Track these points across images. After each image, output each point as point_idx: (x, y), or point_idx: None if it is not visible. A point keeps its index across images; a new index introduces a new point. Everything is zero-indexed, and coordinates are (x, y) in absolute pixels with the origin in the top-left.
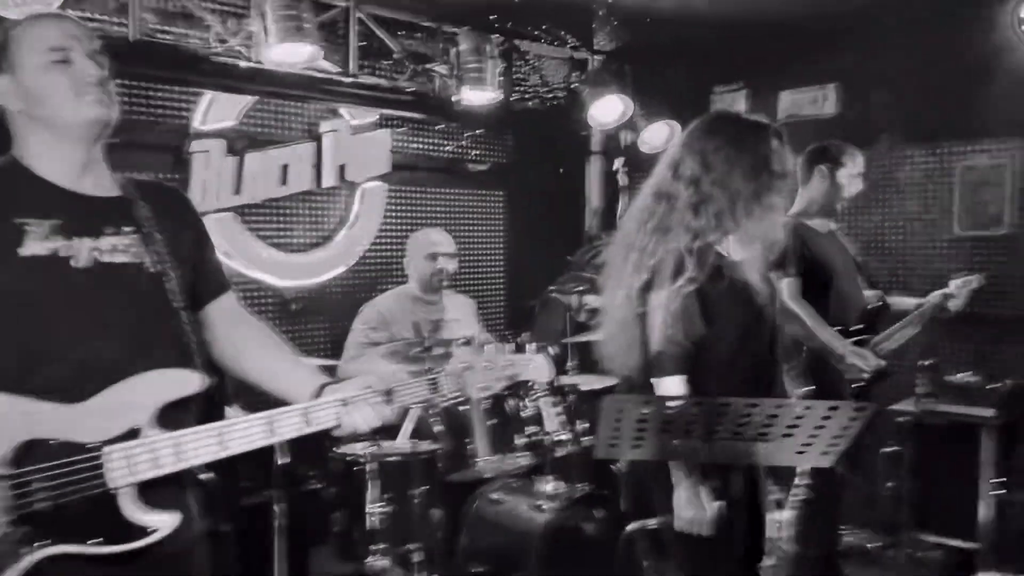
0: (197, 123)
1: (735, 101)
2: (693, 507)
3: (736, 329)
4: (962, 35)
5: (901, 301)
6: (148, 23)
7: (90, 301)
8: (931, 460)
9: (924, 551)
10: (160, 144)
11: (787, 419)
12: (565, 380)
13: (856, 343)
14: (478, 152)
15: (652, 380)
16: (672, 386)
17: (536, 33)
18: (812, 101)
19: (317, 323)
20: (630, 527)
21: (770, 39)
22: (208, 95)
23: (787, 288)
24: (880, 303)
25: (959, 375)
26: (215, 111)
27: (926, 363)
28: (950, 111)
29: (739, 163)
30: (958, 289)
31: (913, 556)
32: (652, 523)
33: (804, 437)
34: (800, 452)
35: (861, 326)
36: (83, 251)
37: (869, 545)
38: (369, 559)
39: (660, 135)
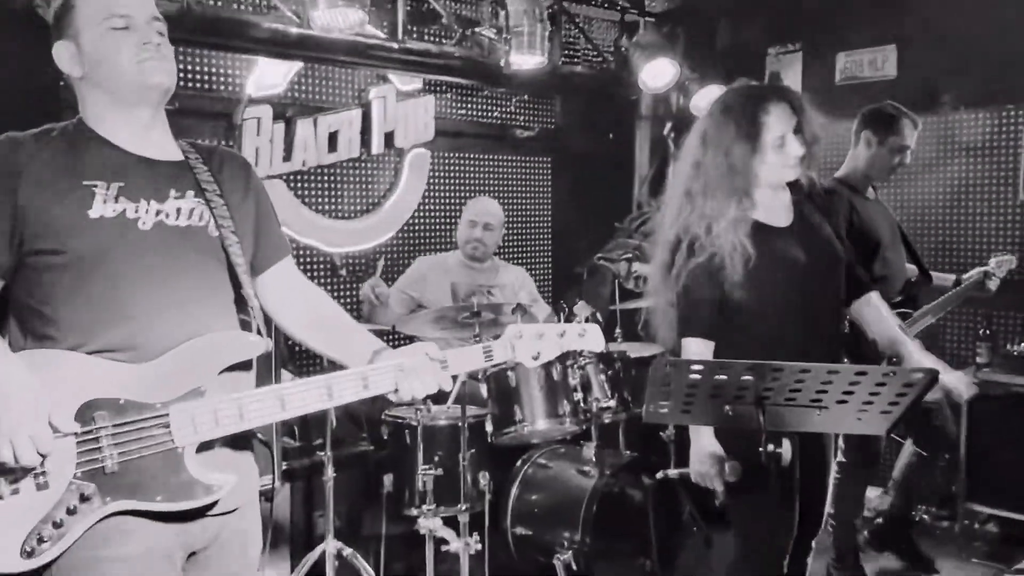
0: (248, 90)
1: (790, 63)
2: (703, 463)
3: (769, 296)
4: None
5: (941, 276)
6: None
7: (156, 263)
8: (988, 431)
9: (979, 523)
10: (211, 111)
11: (842, 385)
12: (612, 347)
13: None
14: (525, 118)
15: (681, 340)
16: (695, 347)
17: None
18: (871, 63)
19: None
20: (661, 473)
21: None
22: (259, 62)
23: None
24: (923, 277)
25: (1021, 345)
26: (265, 78)
27: (985, 332)
28: (1015, 73)
29: (727, 131)
30: (997, 267)
31: (968, 528)
32: (674, 473)
33: (859, 404)
34: (856, 419)
35: (900, 298)
36: (149, 214)
37: (925, 517)
38: (418, 520)
39: (710, 99)
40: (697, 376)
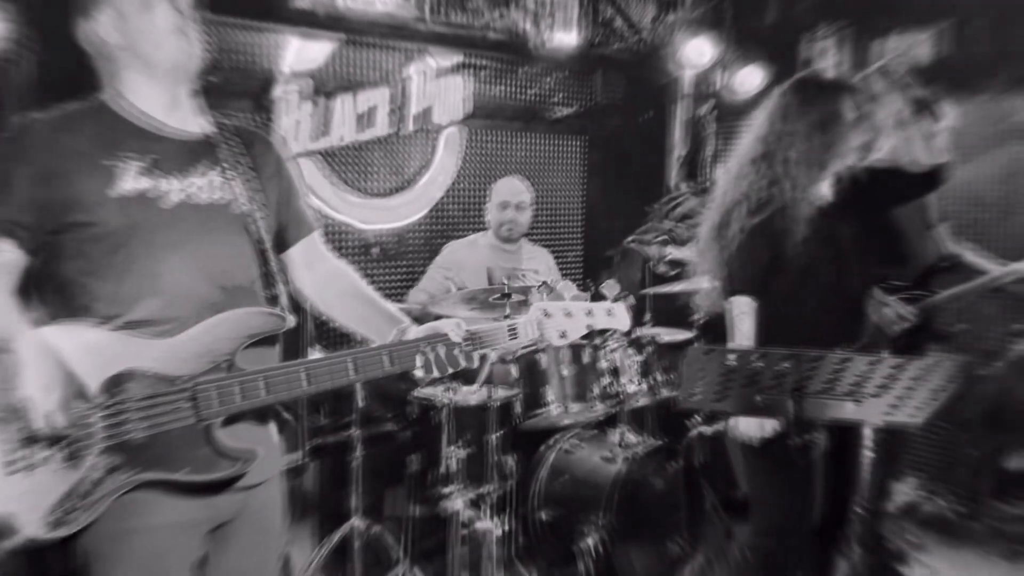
0: (283, 67)
1: (827, 45)
2: (744, 422)
3: (813, 268)
4: None
5: (978, 263)
6: None
7: (179, 240)
8: None
9: (1006, 522)
10: (246, 88)
11: (879, 376)
12: (642, 332)
13: (907, 300)
14: (560, 96)
15: (725, 301)
16: (741, 304)
17: None
18: (909, 46)
19: (397, 266)
20: (693, 432)
21: None
22: (294, 39)
23: None
24: (946, 264)
25: None
26: (300, 55)
27: (1018, 327)
28: None
29: (804, 121)
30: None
31: (994, 527)
32: (710, 430)
33: (894, 396)
34: (889, 412)
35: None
36: (171, 191)
37: (949, 514)
38: (443, 501)
39: (753, 78)
40: (732, 363)
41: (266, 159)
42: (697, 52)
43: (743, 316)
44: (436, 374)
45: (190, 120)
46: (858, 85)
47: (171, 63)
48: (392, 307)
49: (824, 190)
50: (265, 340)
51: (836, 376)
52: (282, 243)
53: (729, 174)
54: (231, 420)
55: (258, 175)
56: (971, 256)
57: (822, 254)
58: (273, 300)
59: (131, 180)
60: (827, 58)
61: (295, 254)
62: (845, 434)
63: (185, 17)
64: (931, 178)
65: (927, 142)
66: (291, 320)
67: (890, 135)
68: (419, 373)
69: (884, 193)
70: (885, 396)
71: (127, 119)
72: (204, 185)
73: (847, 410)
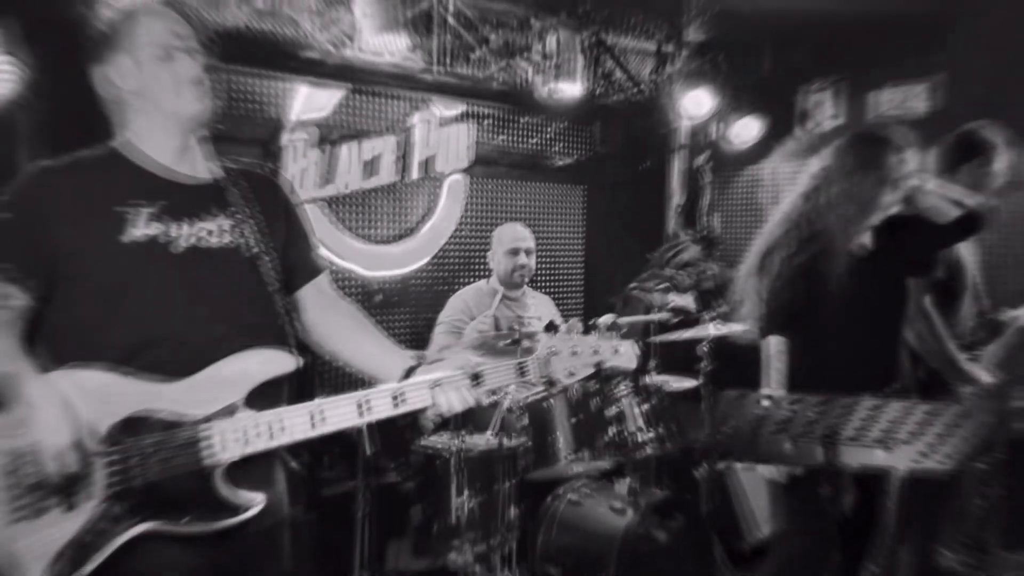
0: (291, 115)
1: (823, 97)
2: None
3: (843, 315)
4: None
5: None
6: (243, 17)
7: (188, 284)
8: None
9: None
10: (253, 136)
11: (911, 423)
12: (649, 380)
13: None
14: (561, 146)
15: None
16: (776, 344)
17: (626, 25)
18: (904, 99)
19: (400, 314)
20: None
21: (864, 33)
22: (303, 88)
23: (917, 292)
24: (986, 315)
25: None
26: (308, 103)
27: None
28: None
29: (844, 182)
30: None
31: None
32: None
33: (925, 443)
34: (918, 460)
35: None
36: (180, 236)
37: (959, 566)
38: (450, 555)
39: (750, 129)
40: (764, 409)
41: (274, 202)
42: (694, 104)
43: (779, 356)
44: (444, 413)
45: (199, 165)
46: (900, 140)
47: (188, 112)
48: (399, 348)
49: (864, 238)
50: (273, 383)
51: (868, 422)
52: (291, 285)
53: (777, 213)
54: (236, 464)
55: (266, 218)
56: (1005, 313)
57: (859, 299)
58: (282, 342)
59: (142, 226)
60: (824, 110)
61: (303, 296)
62: (870, 487)
63: (203, 69)
64: (966, 224)
65: (950, 193)
66: (298, 362)
67: (925, 190)
68: (431, 412)
69: (919, 241)
70: (916, 443)
71: (138, 166)
72: (214, 229)
73: (877, 457)
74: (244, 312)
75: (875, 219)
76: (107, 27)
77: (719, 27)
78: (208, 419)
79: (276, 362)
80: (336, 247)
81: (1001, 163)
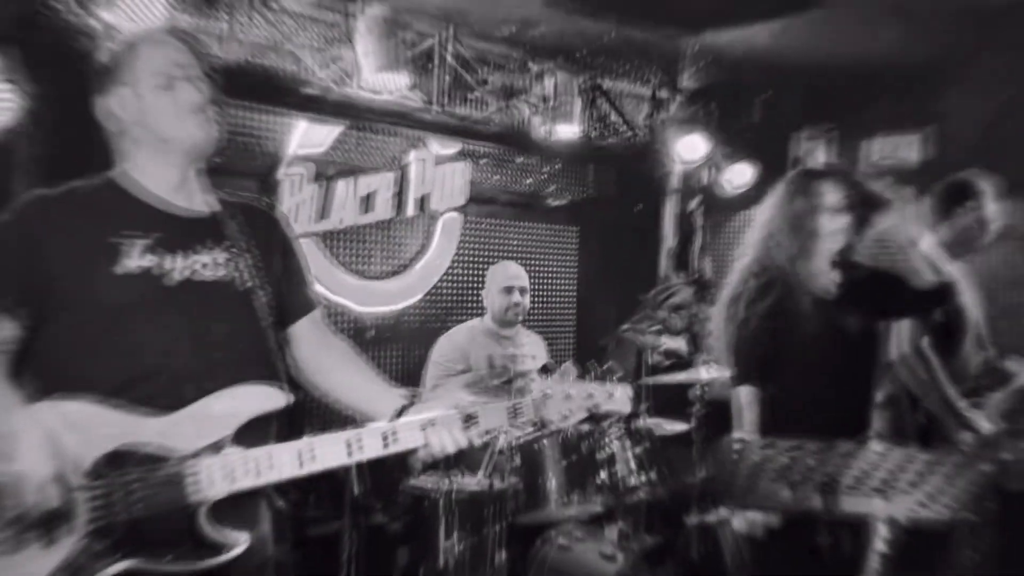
0: (289, 150)
1: (817, 145)
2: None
3: (813, 362)
4: None
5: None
6: (246, 51)
7: (180, 317)
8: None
9: None
10: (251, 169)
11: (911, 472)
12: (640, 423)
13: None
14: (556, 187)
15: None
16: (745, 393)
17: (622, 71)
18: (895, 148)
19: (392, 350)
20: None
21: (857, 83)
22: (302, 123)
23: (914, 334)
24: (992, 365)
25: None
26: (306, 138)
27: None
28: None
29: (782, 213)
30: None
31: None
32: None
33: (924, 493)
34: (917, 510)
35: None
36: (175, 268)
37: None
38: None
39: (743, 175)
40: (763, 456)
41: (270, 236)
42: (688, 149)
43: (749, 406)
44: (436, 454)
45: (197, 198)
46: (849, 174)
47: (189, 143)
48: (391, 387)
49: (825, 281)
50: (263, 419)
51: (868, 470)
52: (284, 320)
53: (737, 262)
54: (222, 503)
55: (262, 252)
56: (1010, 364)
57: (829, 345)
58: (273, 377)
59: (136, 258)
60: (816, 158)
61: (297, 331)
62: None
63: (206, 99)
64: (936, 296)
65: (933, 258)
66: (289, 399)
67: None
68: (423, 452)
69: (888, 300)
70: (915, 493)
71: (134, 197)
72: (208, 262)
73: (875, 506)
74: (236, 347)
75: (820, 249)
76: (109, 58)
77: (713, 75)
78: (195, 455)
79: (266, 398)
80: (330, 282)
81: (992, 210)
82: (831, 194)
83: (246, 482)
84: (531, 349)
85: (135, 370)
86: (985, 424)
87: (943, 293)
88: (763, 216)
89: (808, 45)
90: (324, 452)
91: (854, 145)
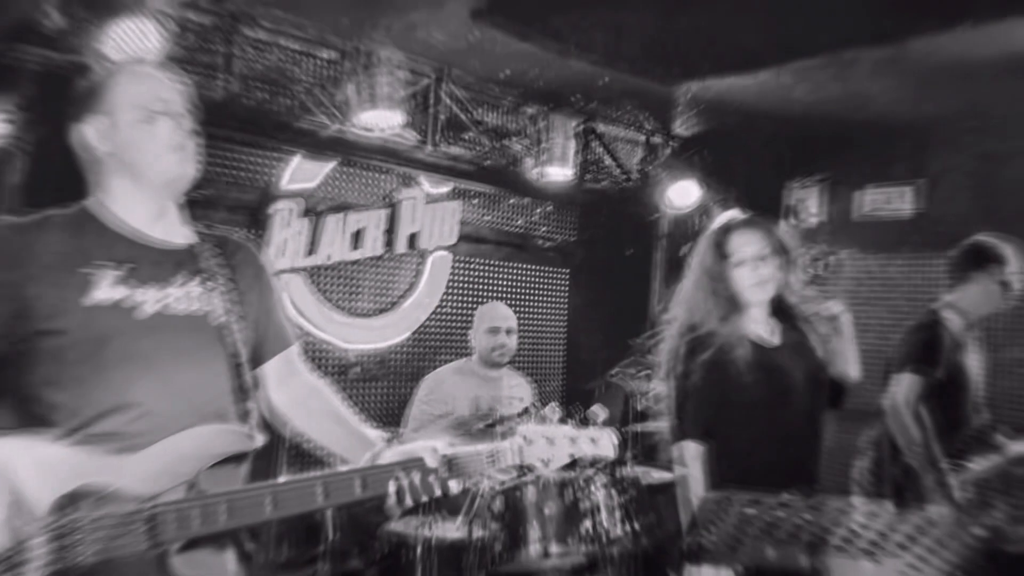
0: (281, 184)
1: (808, 195)
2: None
3: (758, 407)
4: None
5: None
6: (241, 86)
7: (153, 351)
8: None
9: None
10: (241, 202)
11: (902, 533)
12: (627, 472)
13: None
14: (547, 228)
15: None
16: (691, 449)
17: (616, 116)
18: (887, 200)
19: (377, 388)
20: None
21: (850, 134)
22: (295, 158)
23: (910, 389)
24: (982, 433)
25: None
26: (298, 174)
27: None
28: None
29: (710, 252)
30: None
31: None
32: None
33: (918, 555)
34: (908, 571)
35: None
36: (147, 301)
37: None
38: None
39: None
40: (749, 512)
41: (247, 270)
42: (679, 195)
43: (695, 462)
44: (409, 503)
45: (174, 230)
46: (766, 222)
47: (166, 177)
48: (367, 429)
49: (763, 330)
50: (232, 460)
51: (860, 529)
52: (258, 356)
53: (673, 319)
54: (189, 545)
55: (237, 286)
56: (1000, 437)
57: (772, 394)
58: (244, 416)
59: (106, 289)
60: (807, 207)
61: (271, 368)
62: None
63: (186, 134)
64: (836, 394)
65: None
66: (260, 439)
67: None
68: (391, 501)
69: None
70: (906, 555)
71: (107, 227)
72: (182, 296)
73: (863, 570)
74: (207, 384)
75: (749, 300)
76: (89, 86)
77: (706, 122)
78: (162, 495)
79: (236, 438)
80: (316, 318)
81: (1014, 274)
82: (750, 245)
83: (212, 526)
84: (518, 392)
85: (101, 406)
86: (958, 491)
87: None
88: (686, 275)
89: (799, 96)
90: (294, 496)
91: (846, 195)
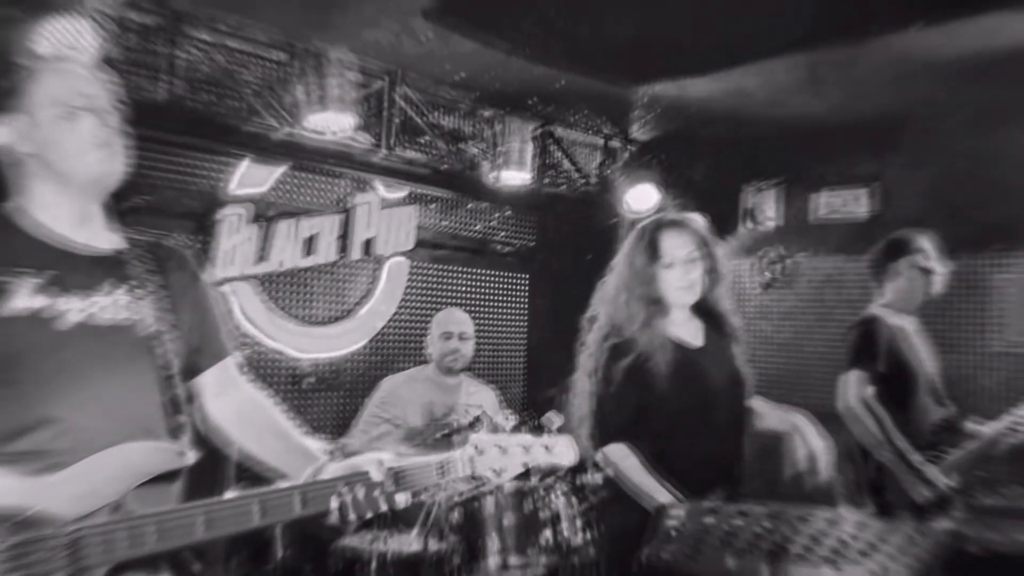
0: (229, 189)
1: (765, 198)
2: None
3: (678, 410)
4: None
5: (974, 427)
6: (186, 88)
7: (75, 363)
8: None
9: None
10: (187, 209)
11: (864, 540)
12: (588, 479)
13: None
14: (506, 233)
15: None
16: (618, 450)
17: (573, 119)
18: (843, 203)
19: (332, 398)
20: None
21: (808, 137)
22: (243, 162)
23: (858, 386)
24: (951, 423)
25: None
26: (247, 178)
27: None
28: (989, 219)
29: (637, 251)
30: (1020, 422)
31: None
32: None
33: (878, 563)
34: None
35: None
36: (70, 311)
37: None
38: None
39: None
40: (710, 521)
41: (180, 277)
42: (638, 199)
43: (626, 458)
44: (353, 519)
45: (100, 235)
46: (695, 223)
47: (89, 177)
48: (309, 441)
49: (686, 332)
50: (163, 478)
51: (819, 537)
52: (193, 368)
53: (595, 320)
54: (115, 572)
55: (170, 294)
56: (969, 424)
57: (694, 396)
58: (175, 431)
59: (24, 298)
60: (765, 210)
61: (206, 380)
62: None
63: (112, 132)
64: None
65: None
66: (191, 456)
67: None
68: (334, 518)
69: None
70: (868, 562)
71: (27, 232)
72: (108, 304)
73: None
74: (134, 398)
75: (675, 302)
76: (9, 85)
77: (663, 126)
78: (87, 517)
79: (166, 455)
80: (267, 327)
81: (932, 262)
82: (681, 248)
83: (141, 550)
84: (477, 399)
85: (19, 422)
86: (941, 478)
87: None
88: (611, 273)
89: (757, 99)
90: (230, 515)
91: (803, 198)
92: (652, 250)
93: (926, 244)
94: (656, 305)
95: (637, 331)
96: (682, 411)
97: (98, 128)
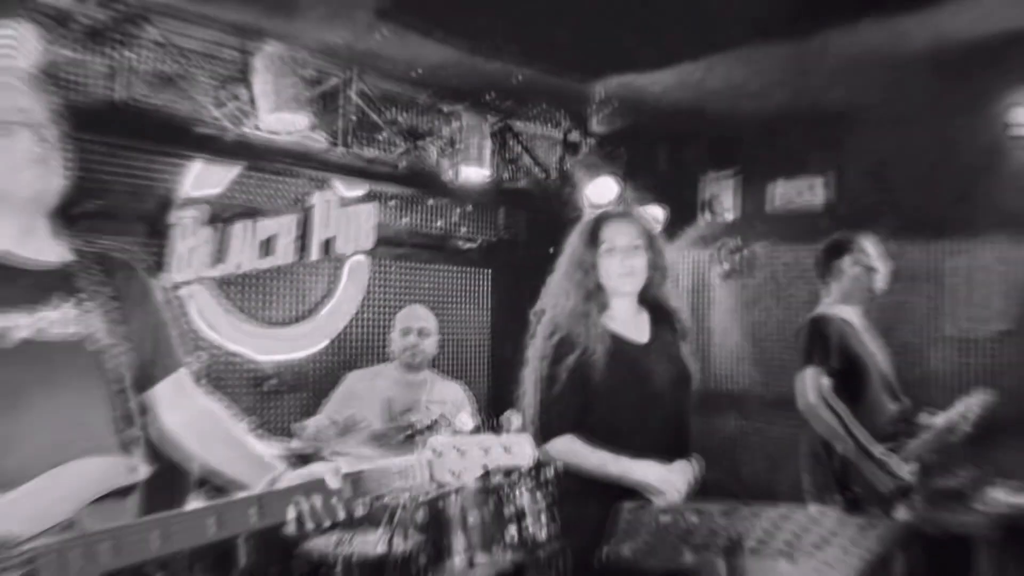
0: (183, 191)
1: (723, 188)
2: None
3: (623, 405)
4: (954, 133)
5: (928, 419)
6: (137, 88)
7: (20, 381)
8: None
9: None
10: (139, 213)
11: (817, 533)
12: (552, 474)
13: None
14: (467, 229)
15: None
16: (565, 441)
17: (532, 114)
18: (799, 193)
19: (294, 400)
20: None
21: (764, 128)
22: (196, 163)
23: (815, 383)
24: (907, 415)
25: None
26: (201, 179)
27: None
28: (940, 207)
29: (580, 240)
30: (971, 409)
31: None
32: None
33: (832, 554)
34: (822, 571)
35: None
36: (16, 327)
37: None
38: None
39: (653, 217)
40: (666, 520)
41: (131, 287)
42: (598, 192)
43: (571, 444)
44: (311, 528)
45: (46, 248)
46: (637, 213)
47: (27, 193)
48: (266, 451)
49: (629, 325)
50: (116, 493)
51: (771, 531)
52: (146, 380)
53: (537, 319)
54: None
55: (120, 305)
56: (923, 415)
57: (634, 394)
58: (128, 446)
59: None
60: (723, 201)
61: (160, 392)
62: None
63: (49, 147)
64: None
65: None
66: (144, 470)
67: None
68: (291, 528)
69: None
70: (821, 554)
71: None
72: (57, 319)
73: (779, 570)
74: (84, 414)
75: (617, 292)
76: None
77: (621, 119)
78: (39, 537)
79: (118, 471)
80: (225, 330)
81: (873, 258)
82: (622, 236)
83: (93, 568)
84: (445, 395)
85: None
86: (903, 467)
87: None
88: (557, 267)
89: (713, 92)
90: (184, 529)
91: (760, 188)
92: (592, 238)
93: (867, 243)
94: (596, 293)
95: (576, 322)
96: (623, 409)
97: (34, 143)
